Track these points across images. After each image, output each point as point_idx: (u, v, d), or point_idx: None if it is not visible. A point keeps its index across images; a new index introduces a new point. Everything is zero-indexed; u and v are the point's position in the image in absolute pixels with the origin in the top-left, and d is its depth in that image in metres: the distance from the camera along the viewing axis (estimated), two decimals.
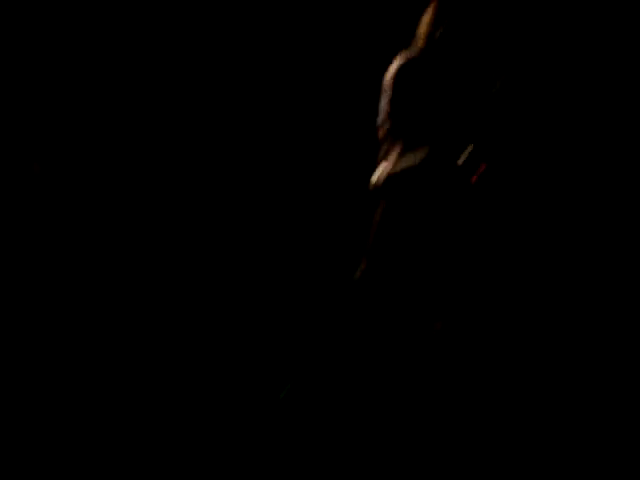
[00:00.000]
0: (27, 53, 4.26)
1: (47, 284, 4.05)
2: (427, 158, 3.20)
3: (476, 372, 3.27)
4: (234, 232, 4.32)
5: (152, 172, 4.33)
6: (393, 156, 3.25)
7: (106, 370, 3.84)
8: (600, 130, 3.62)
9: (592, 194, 3.62)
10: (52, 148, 4.27)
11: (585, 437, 3.24)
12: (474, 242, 3.22)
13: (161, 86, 4.38)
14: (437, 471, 3.16)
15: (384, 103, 3.30)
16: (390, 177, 3.23)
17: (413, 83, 3.29)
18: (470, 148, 3.23)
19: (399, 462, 3.18)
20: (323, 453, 3.31)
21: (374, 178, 3.29)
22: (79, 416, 3.64)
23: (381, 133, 3.31)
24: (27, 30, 4.26)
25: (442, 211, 3.20)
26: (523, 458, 3.19)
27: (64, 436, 3.55)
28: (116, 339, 3.97)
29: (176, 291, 4.17)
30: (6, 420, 3.59)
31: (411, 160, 3.21)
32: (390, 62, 3.53)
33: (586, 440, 3.24)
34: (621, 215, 3.58)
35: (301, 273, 4.24)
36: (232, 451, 3.50)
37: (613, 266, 3.56)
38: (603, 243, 3.57)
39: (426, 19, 3.34)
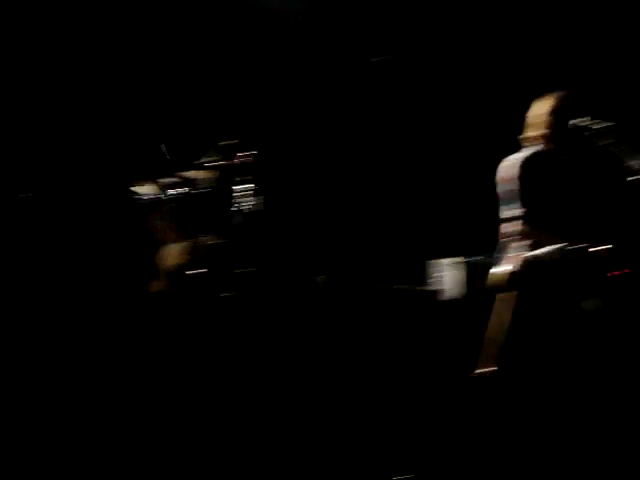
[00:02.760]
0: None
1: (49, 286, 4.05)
2: (565, 248, 3.22)
3: None
4: None
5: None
6: (529, 245, 3.29)
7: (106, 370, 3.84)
8: None
9: None
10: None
11: None
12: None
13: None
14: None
15: (509, 195, 3.33)
16: (530, 264, 3.25)
17: (544, 174, 3.33)
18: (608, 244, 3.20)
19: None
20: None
21: (497, 272, 3.32)
22: (79, 416, 3.64)
23: (511, 224, 3.33)
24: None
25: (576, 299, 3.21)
26: None
27: (64, 436, 3.55)
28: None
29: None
30: (6, 420, 3.58)
31: (550, 249, 3.23)
32: None
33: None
34: None
35: None
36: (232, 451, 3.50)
37: None
38: None
39: (544, 109, 3.35)
